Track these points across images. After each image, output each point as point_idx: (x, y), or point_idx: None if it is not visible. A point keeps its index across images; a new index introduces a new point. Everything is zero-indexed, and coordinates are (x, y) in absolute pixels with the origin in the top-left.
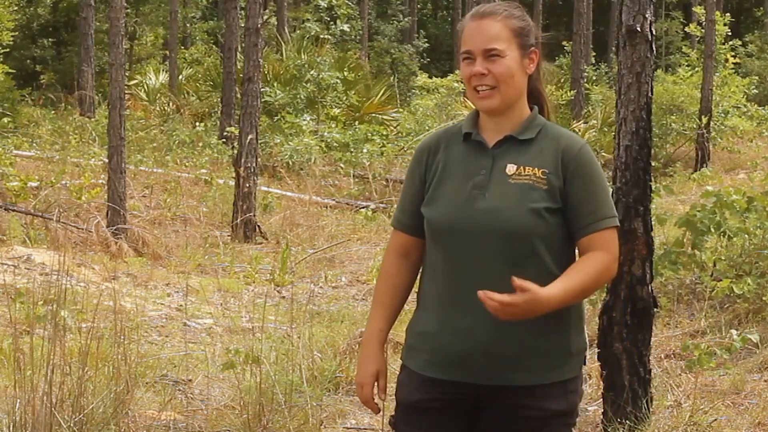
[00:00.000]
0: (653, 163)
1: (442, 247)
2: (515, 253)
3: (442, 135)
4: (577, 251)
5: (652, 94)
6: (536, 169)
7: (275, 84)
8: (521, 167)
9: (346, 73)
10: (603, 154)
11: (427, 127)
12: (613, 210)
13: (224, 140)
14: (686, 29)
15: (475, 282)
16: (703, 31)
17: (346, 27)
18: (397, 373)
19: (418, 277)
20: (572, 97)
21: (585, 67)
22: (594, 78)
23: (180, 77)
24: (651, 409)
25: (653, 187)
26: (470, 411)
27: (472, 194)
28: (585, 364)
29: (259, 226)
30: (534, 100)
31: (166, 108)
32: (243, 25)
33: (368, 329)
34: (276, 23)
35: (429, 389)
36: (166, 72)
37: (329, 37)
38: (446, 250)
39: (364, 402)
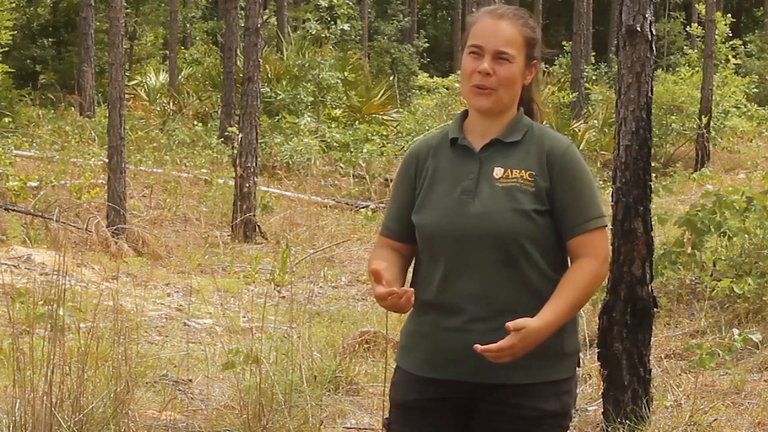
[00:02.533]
0: (653, 163)
1: (435, 252)
2: (507, 256)
3: (430, 141)
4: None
5: (652, 94)
6: (523, 171)
7: (278, 83)
8: (508, 170)
9: (346, 74)
10: (603, 154)
11: (427, 127)
12: (601, 210)
13: (224, 140)
14: (687, 29)
15: (468, 285)
16: (703, 31)
17: (346, 26)
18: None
19: (410, 279)
20: (573, 98)
21: (585, 67)
22: (594, 78)
23: (180, 77)
24: (651, 409)
25: (653, 187)
26: (464, 411)
27: (462, 199)
28: (579, 366)
29: (259, 226)
30: (525, 105)
31: (166, 108)
32: (243, 25)
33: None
34: (276, 23)
35: (424, 389)
36: (166, 72)
37: (330, 36)
38: (438, 254)
39: (379, 297)
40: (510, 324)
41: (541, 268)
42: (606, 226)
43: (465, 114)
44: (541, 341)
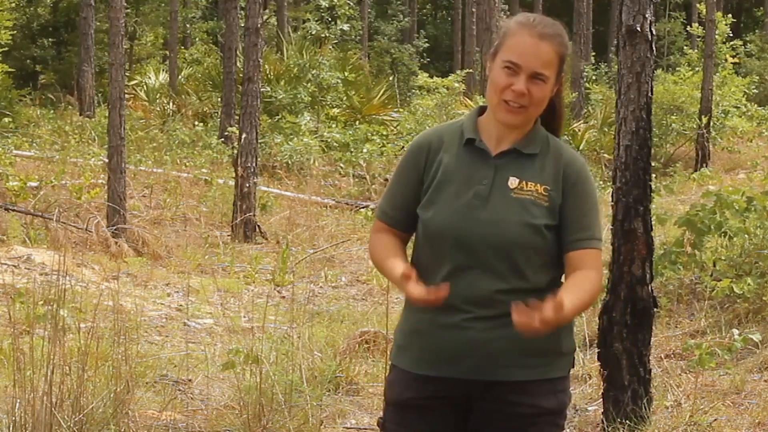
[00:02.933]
0: (653, 163)
1: (438, 252)
2: (511, 264)
3: (442, 133)
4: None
5: (652, 94)
6: (539, 185)
7: (278, 83)
8: (523, 182)
9: (346, 74)
10: (603, 154)
11: (427, 127)
12: (602, 233)
13: (224, 140)
14: (687, 29)
15: (469, 288)
16: (704, 31)
17: (346, 26)
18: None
19: None
20: (573, 98)
21: (585, 67)
22: (594, 78)
23: (180, 77)
24: (651, 409)
25: (653, 187)
26: (461, 409)
27: (473, 203)
28: (573, 366)
29: (259, 226)
30: (548, 114)
31: (166, 108)
32: (243, 25)
33: (390, 270)
34: (276, 23)
35: (421, 387)
36: (166, 72)
37: (330, 36)
38: (441, 254)
39: (415, 293)
40: (558, 299)
41: (540, 279)
42: (601, 250)
43: (479, 111)
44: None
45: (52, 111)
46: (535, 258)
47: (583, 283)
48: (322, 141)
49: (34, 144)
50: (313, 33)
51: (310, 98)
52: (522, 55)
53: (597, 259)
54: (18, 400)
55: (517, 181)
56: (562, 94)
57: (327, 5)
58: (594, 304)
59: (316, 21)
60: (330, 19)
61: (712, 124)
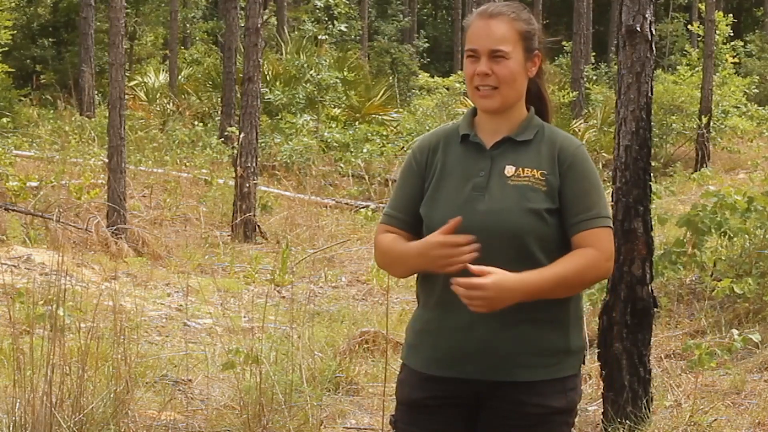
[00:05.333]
0: (653, 163)
1: None
2: (514, 254)
3: (440, 134)
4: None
5: (652, 94)
6: (535, 170)
7: (276, 84)
8: (520, 168)
9: (345, 73)
10: (603, 154)
11: (427, 127)
12: (608, 211)
13: (224, 140)
14: (689, 27)
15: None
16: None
17: (343, 27)
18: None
19: (416, 277)
20: (573, 98)
21: (585, 67)
22: (594, 78)
23: (180, 77)
24: (651, 409)
25: (654, 188)
26: (470, 408)
27: (472, 195)
28: (584, 363)
29: (258, 226)
30: (536, 102)
31: (166, 108)
32: (243, 25)
33: (404, 248)
34: (276, 23)
35: (430, 387)
36: (166, 72)
37: (327, 37)
38: None
39: (449, 251)
40: (475, 268)
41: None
42: (611, 228)
43: (474, 111)
44: (516, 300)
45: (51, 111)
46: (538, 244)
47: (569, 259)
48: (322, 141)
49: (34, 144)
50: (311, 34)
51: (308, 98)
52: (476, 39)
53: (602, 238)
54: (18, 400)
55: (513, 168)
56: (544, 75)
57: (323, 5)
58: (594, 304)
59: (312, 22)
60: (327, 19)
61: (712, 124)
